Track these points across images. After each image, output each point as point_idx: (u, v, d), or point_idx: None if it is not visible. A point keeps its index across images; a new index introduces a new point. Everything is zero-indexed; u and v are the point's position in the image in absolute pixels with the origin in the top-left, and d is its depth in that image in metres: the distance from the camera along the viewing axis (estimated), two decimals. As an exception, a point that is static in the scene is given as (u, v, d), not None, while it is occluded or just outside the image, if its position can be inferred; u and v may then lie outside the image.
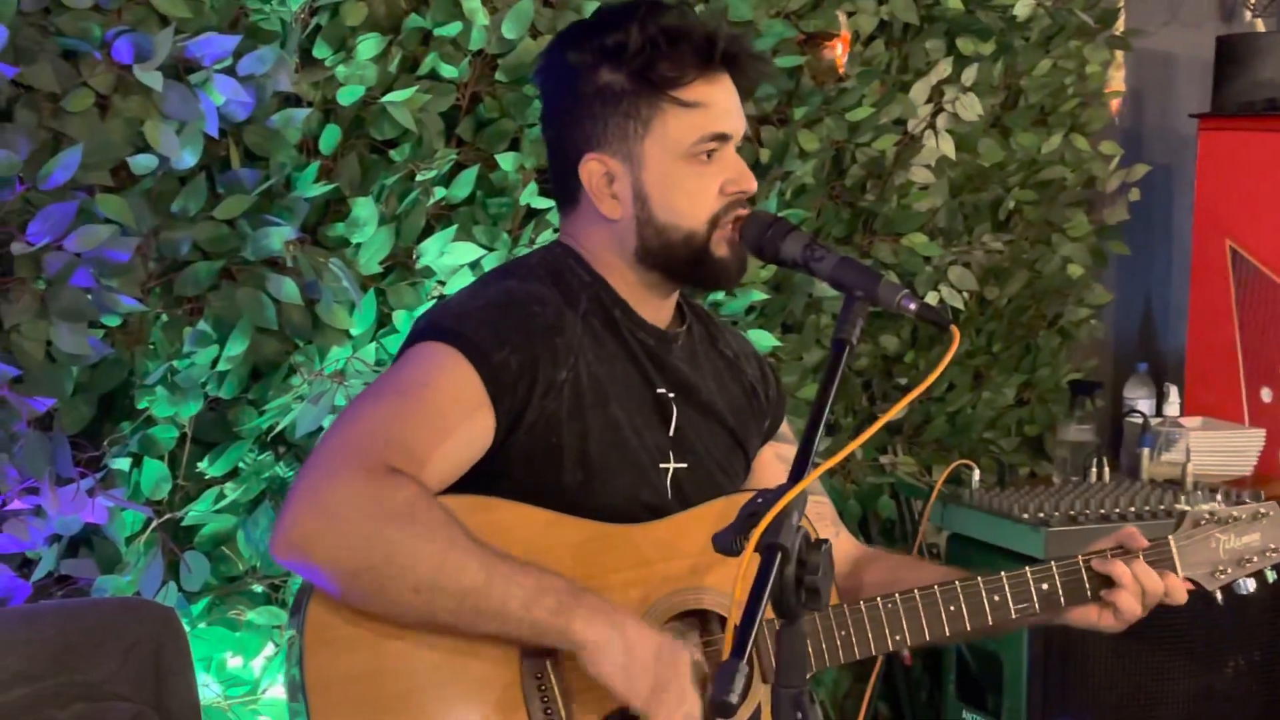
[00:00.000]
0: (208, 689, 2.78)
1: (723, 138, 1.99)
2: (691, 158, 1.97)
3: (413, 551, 1.75)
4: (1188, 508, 2.16)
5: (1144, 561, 2.08)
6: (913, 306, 1.80)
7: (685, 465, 2.05)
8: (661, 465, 2.03)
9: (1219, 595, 2.16)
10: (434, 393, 1.86)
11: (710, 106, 1.98)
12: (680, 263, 2.01)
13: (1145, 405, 4.07)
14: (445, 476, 1.86)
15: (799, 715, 1.61)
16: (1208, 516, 2.15)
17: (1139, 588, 2.07)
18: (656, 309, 2.07)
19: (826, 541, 1.63)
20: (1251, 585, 2.17)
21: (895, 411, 1.75)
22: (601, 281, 2.03)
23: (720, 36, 1.98)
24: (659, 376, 2.05)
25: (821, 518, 2.21)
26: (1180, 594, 2.10)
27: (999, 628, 2.10)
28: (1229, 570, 2.16)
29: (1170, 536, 2.13)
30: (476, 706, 1.83)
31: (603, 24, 2.01)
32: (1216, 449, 3.88)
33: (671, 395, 2.06)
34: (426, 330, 1.93)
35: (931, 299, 3.83)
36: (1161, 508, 3.34)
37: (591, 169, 2.00)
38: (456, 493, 1.87)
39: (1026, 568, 2.08)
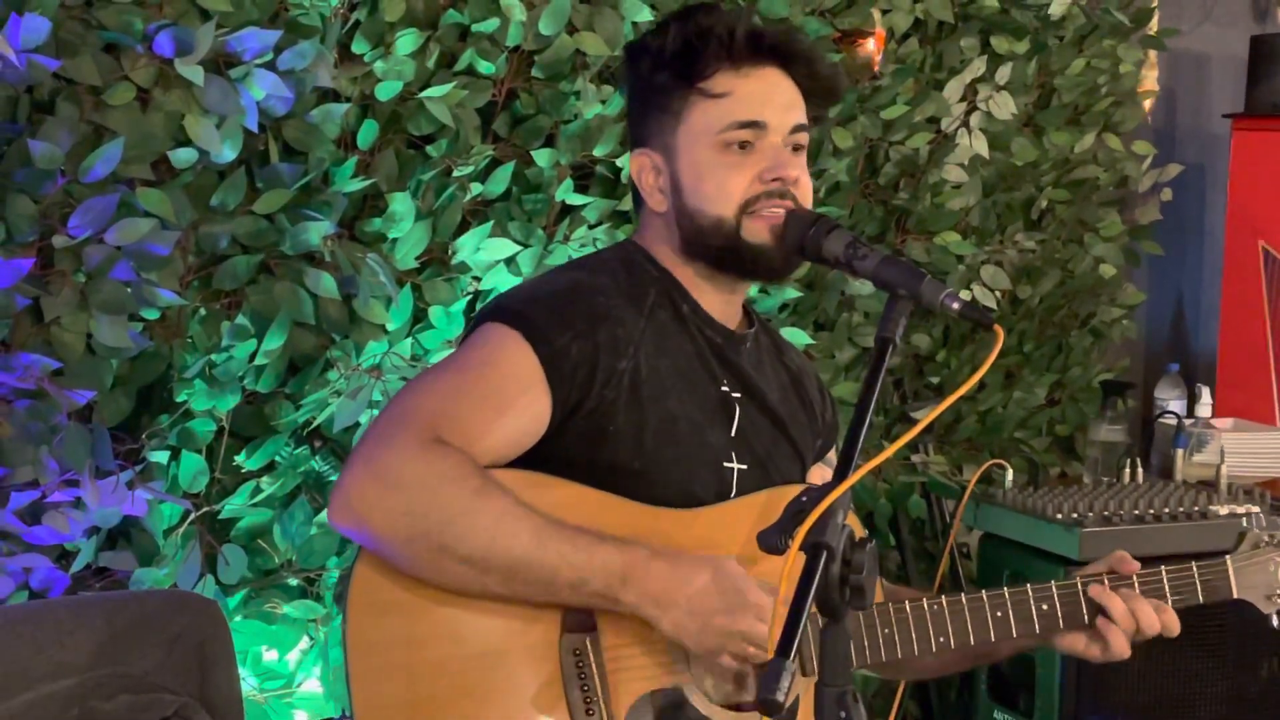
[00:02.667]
0: (243, 682, 2.78)
1: (754, 125, 1.98)
2: (723, 147, 1.98)
3: (467, 522, 1.79)
4: (1220, 508, 2.12)
5: (1139, 595, 2.05)
6: (956, 306, 1.80)
7: (746, 467, 2.05)
8: (725, 464, 2.03)
9: (1275, 620, 2.12)
10: (492, 371, 1.90)
11: (737, 96, 1.98)
12: (717, 250, 2.00)
13: (1177, 406, 4.04)
14: (499, 453, 1.89)
15: (843, 714, 1.61)
16: (1267, 539, 2.12)
17: (1133, 623, 2.04)
18: (723, 308, 2.07)
19: (871, 540, 1.63)
20: None
21: (940, 410, 1.74)
22: (670, 277, 2.05)
23: (741, 26, 1.99)
24: (725, 375, 2.06)
25: None
26: (1175, 628, 2.06)
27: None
28: None
29: (1228, 557, 2.09)
30: (517, 677, 1.85)
31: (658, 29, 2.06)
32: (1249, 450, 3.86)
33: (736, 395, 2.06)
34: (493, 312, 1.97)
35: (963, 297, 3.81)
36: (1196, 509, 3.32)
37: (640, 164, 2.05)
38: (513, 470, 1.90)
39: (1076, 577, 2.07)
